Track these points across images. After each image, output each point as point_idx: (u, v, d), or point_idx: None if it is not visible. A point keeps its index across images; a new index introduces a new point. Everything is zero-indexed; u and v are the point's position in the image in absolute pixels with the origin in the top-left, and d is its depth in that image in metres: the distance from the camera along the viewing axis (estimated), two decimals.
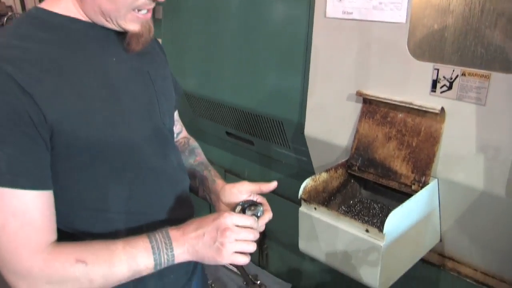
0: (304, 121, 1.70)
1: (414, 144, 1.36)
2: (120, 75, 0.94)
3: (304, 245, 1.44)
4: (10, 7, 4.18)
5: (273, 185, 1.06)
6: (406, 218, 1.28)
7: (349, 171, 1.55)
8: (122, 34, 0.94)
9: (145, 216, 0.99)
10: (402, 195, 1.43)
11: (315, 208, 1.35)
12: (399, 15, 1.31)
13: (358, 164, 1.50)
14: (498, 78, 1.16)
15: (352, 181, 1.60)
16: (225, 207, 1.09)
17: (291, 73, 1.73)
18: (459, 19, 1.20)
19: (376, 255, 1.21)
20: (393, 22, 1.33)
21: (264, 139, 2.04)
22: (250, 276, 2.12)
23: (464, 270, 1.52)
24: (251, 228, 0.92)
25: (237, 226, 0.90)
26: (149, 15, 0.93)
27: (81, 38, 0.89)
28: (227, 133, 2.26)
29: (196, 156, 1.24)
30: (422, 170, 1.33)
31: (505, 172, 1.20)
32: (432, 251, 1.51)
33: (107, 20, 0.89)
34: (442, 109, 1.27)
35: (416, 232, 1.34)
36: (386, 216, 1.52)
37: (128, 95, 0.94)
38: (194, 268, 1.15)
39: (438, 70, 1.27)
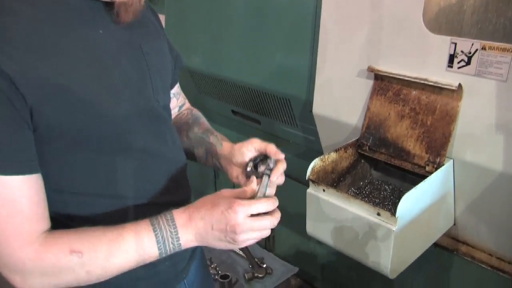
0: (312, 98, 1.65)
1: (428, 123, 1.30)
2: (108, 49, 0.87)
3: (311, 228, 1.40)
4: None
5: (282, 155, 0.98)
6: (420, 201, 1.23)
7: (359, 151, 1.50)
8: (109, 5, 0.88)
9: (137, 200, 0.95)
10: (415, 177, 1.39)
11: (323, 190, 1.31)
12: None
13: (369, 144, 1.45)
14: None
15: (363, 161, 1.56)
16: (238, 170, 1.04)
17: (299, 49, 1.68)
18: None
19: (387, 240, 1.17)
20: None
21: (270, 118, 2.00)
22: (256, 259, 2.09)
23: (478, 255, 1.48)
24: (266, 211, 0.86)
25: (252, 215, 0.84)
26: None
27: (63, 11, 0.83)
28: (233, 111, 2.22)
29: (200, 125, 1.18)
30: (437, 151, 1.28)
31: None
32: (445, 235, 1.47)
33: None
34: (460, 85, 1.22)
35: (429, 216, 1.30)
36: (398, 198, 1.48)
37: (117, 72, 0.88)
38: (192, 253, 1.12)
39: (455, 44, 1.20)
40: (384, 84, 1.41)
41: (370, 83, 1.45)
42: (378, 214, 1.18)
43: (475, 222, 1.40)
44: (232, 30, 1.94)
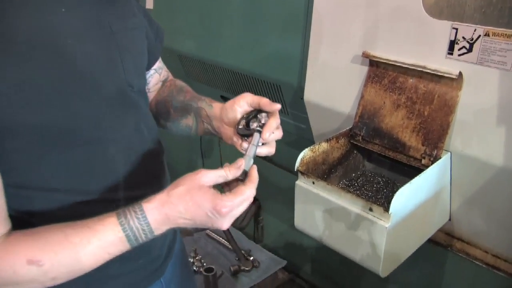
0: (304, 85, 1.59)
1: (425, 113, 1.24)
2: (70, 30, 0.78)
3: (300, 222, 1.35)
4: None
5: (277, 106, 0.90)
6: (415, 196, 1.17)
7: (352, 141, 1.43)
8: None
9: (107, 195, 0.87)
10: (410, 169, 1.33)
11: (313, 182, 1.25)
12: None
13: (362, 134, 1.39)
14: None
15: (355, 152, 1.49)
16: (231, 131, 0.95)
17: (291, 32, 1.62)
18: None
19: (380, 237, 1.11)
20: None
21: None
22: (243, 251, 2.04)
23: (473, 251, 1.43)
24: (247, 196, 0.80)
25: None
26: None
27: None
28: (222, 97, 2.16)
29: (185, 93, 1.10)
30: (434, 143, 1.22)
31: None
32: (440, 230, 1.41)
33: None
34: (460, 74, 1.15)
35: (424, 211, 1.24)
36: (392, 191, 1.43)
37: (80, 56, 0.79)
38: (169, 251, 1.05)
39: (457, 29, 1.13)
40: (379, 71, 1.34)
41: (364, 69, 1.38)
42: (371, 210, 1.12)
43: (471, 218, 1.35)
44: (223, 13, 1.88)
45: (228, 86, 2.05)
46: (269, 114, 0.90)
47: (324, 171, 1.41)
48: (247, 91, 0.94)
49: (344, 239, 1.23)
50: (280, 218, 2.22)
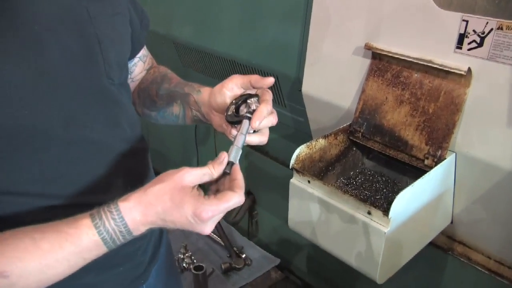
0: (302, 76, 1.52)
1: (430, 110, 1.17)
2: (42, 17, 0.71)
3: (294, 222, 1.28)
4: None
5: (269, 80, 0.82)
6: (416, 200, 1.11)
7: (351, 137, 1.37)
8: None
9: (81, 198, 0.80)
10: (411, 168, 1.26)
11: (308, 181, 1.18)
12: None
13: (362, 131, 1.32)
14: None
15: (354, 149, 1.43)
16: (221, 118, 0.87)
17: (290, 21, 1.56)
18: None
19: (378, 242, 1.05)
20: None
21: None
22: (235, 248, 1.98)
23: (475, 256, 1.38)
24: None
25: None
26: None
27: None
28: None
29: (170, 79, 1.03)
30: (439, 143, 1.15)
31: None
32: (440, 233, 1.35)
33: None
34: (469, 70, 1.08)
35: (425, 215, 1.18)
36: (391, 191, 1.36)
37: (51, 46, 0.71)
38: (153, 257, 0.98)
39: (467, 22, 1.06)
40: (382, 64, 1.27)
41: (366, 62, 1.31)
42: (369, 213, 1.06)
43: (475, 221, 1.29)
44: (221, 2, 1.81)
45: (224, 75, 1.96)
46: (260, 99, 0.82)
47: (321, 169, 1.35)
48: None
49: (340, 242, 1.16)
50: (275, 213, 2.16)
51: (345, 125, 1.36)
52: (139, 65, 1.03)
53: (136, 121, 0.92)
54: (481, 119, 1.10)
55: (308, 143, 1.26)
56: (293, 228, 1.30)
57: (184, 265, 1.98)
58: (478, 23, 1.04)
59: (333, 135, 1.33)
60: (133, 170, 0.88)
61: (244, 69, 1.83)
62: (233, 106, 0.83)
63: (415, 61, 1.17)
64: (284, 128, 1.90)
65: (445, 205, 1.26)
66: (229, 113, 0.83)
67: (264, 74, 1.72)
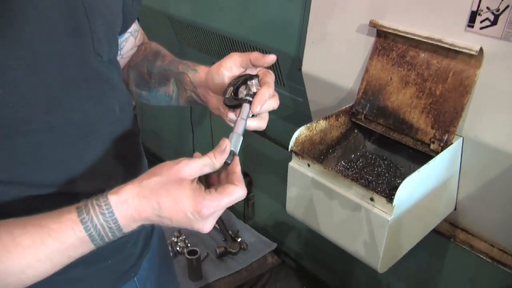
0: (303, 55, 1.46)
1: (438, 92, 1.12)
2: None
3: (292, 207, 1.24)
4: None
5: (270, 58, 0.76)
6: (421, 186, 1.06)
7: (353, 119, 1.32)
8: None
9: (69, 188, 0.74)
10: (415, 152, 1.22)
11: (308, 165, 1.14)
12: None
13: (365, 112, 1.27)
14: None
15: (356, 131, 1.38)
16: (219, 100, 0.82)
17: None
18: None
19: (380, 231, 1.01)
20: None
21: None
22: (231, 232, 1.94)
23: (478, 244, 1.34)
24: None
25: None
26: None
27: None
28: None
29: (163, 56, 0.96)
30: (446, 126, 1.10)
31: None
32: (443, 219, 1.31)
33: None
34: (481, 50, 1.02)
35: (429, 202, 1.14)
36: (394, 176, 1.32)
37: (34, 19, 0.65)
38: (144, 248, 0.93)
39: None
40: (387, 42, 1.21)
41: (371, 40, 1.25)
42: (372, 199, 1.02)
43: (479, 208, 1.25)
44: None
45: (221, 53, 1.93)
46: (260, 80, 0.76)
47: (321, 152, 1.30)
48: None
49: (340, 230, 1.12)
50: (272, 195, 2.12)
51: (347, 106, 1.31)
52: (130, 41, 0.96)
53: (127, 102, 0.86)
54: (491, 102, 1.05)
55: (308, 125, 1.21)
56: (291, 213, 1.26)
57: (178, 248, 1.95)
58: None
59: (334, 116, 1.28)
60: (123, 155, 0.82)
61: (242, 47, 1.78)
62: (232, 88, 0.76)
63: (423, 39, 1.12)
64: (282, 109, 1.83)
65: (450, 191, 1.22)
66: (227, 95, 0.77)
67: (263, 52, 1.66)
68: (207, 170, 0.67)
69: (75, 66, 0.71)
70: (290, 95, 1.73)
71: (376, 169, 1.36)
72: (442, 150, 1.10)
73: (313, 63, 1.45)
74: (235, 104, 0.76)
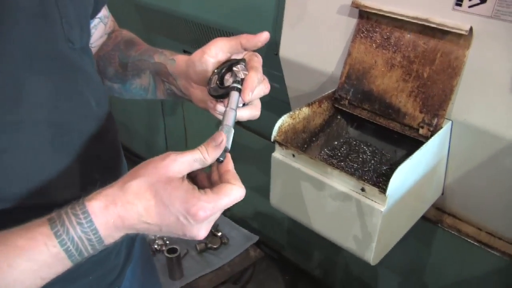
0: (280, 39, 1.42)
1: (425, 75, 1.09)
2: None
3: (276, 200, 1.20)
4: None
5: (264, 36, 0.70)
6: (413, 173, 1.04)
7: (336, 105, 1.28)
8: None
9: (38, 199, 0.66)
10: (400, 137, 1.19)
11: (293, 155, 1.09)
12: None
13: (349, 98, 1.23)
14: None
15: (339, 117, 1.34)
16: (204, 92, 0.76)
17: None
18: None
19: (373, 222, 0.97)
20: None
21: None
22: None
23: (465, 228, 1.34)
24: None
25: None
26: None
27: None
28: (185, 51, 1.98)
29: (137, 45, 0.89)
30: (435, 110, 1.08)
31: None
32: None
33: None
34: (470, 29, 1.00)
35: (420, 188, 1.12)
36: (380, 163, 1.29)
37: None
38: (126, 259, 0.87)
39: None
40: (371, 24, 1.17)
41: (353, 22, 1.21)
42: (363, 190, 0.98)
43: (467, 192, 1.24)
44: None
45: (191, 40, 1.87)
46: (247, 65, 0.70)
47: (304, 140, 1.26)
48: None
49: (329, 222, 1.09)
50: (249, 185, 2.08)
51: (329, 92, 1.27)
52: (100, 28, 0.89)
53: (103, 94, 0.79)
54: (482, 84, 1.03)
55: (291, 113, 1.17)
56: (276, 206, 1.22)
57: (156, 246, 1.89)
58: None
59: (317, 103, 1.24)
60: (101, 156, 0.75)
61: (214, 32, 1.72)
62: (216, 76, 0.71)
63: (408, 19, 1.08)
64: None
65: (438, 176, 1.20)
66: (212, 85, 0.70)
67: None
68: (197, 166, 0.61)
69: (43, 54, 0.64)
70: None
71: (361, 156, 1.33)
72: (431, 135, 1.07)
73: (291, 47, 1.40)
74: (221, 93, 0.69)
